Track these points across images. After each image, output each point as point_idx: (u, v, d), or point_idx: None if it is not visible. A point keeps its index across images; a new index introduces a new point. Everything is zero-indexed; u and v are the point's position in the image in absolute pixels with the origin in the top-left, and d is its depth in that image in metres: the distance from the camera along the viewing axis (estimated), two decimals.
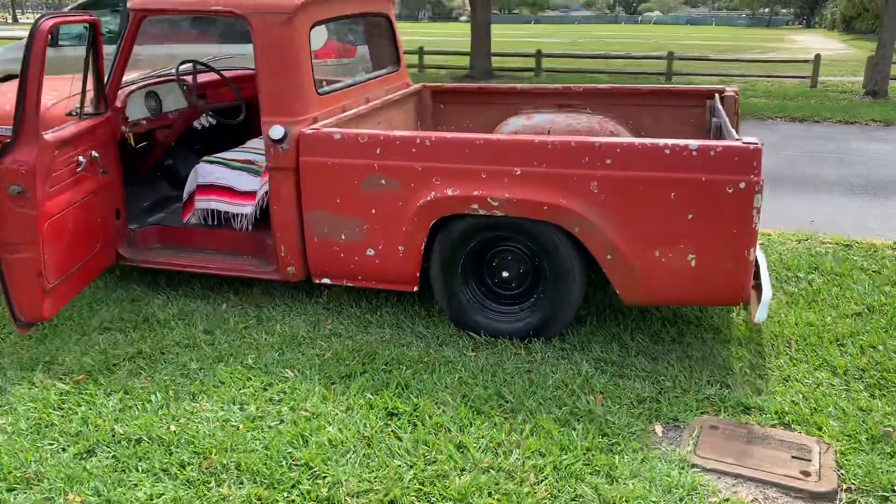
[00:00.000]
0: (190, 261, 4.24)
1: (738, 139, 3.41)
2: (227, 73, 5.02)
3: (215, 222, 4.39)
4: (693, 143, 3.37)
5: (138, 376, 3.41)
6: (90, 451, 2.86)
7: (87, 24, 3.69)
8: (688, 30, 56.09)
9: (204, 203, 4.36)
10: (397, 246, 3.81)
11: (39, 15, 3.24)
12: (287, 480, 2.69)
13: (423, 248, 3.78)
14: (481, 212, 3.60)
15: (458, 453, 2.86)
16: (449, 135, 3.63)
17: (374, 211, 3.79)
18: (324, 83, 4.26)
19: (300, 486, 2.65)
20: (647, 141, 3.44)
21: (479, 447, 2.89)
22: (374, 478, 2.72)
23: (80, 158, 3.67)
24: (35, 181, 3.25)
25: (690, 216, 3.39)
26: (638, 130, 5.18)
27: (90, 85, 3.84)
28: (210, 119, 4.61)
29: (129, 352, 3.62)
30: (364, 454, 2.84)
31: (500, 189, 3.56)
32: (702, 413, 3.16)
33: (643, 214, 3.44)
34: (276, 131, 3.80)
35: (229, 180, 4.31)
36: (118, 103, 4.20)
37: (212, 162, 4.38)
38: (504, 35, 33.54)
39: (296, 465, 2.78)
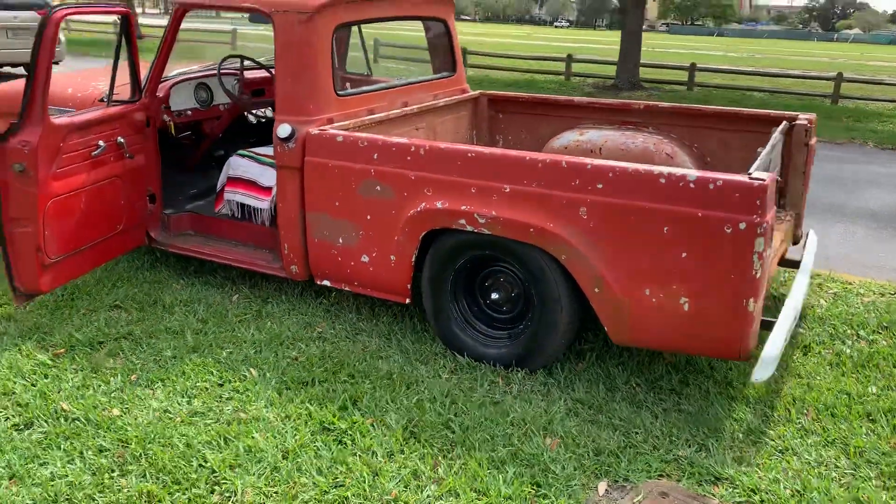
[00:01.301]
0: (212, 250, 4.35)
1: (747, 173, 3.00)
2: None
3: (242, 215, 4.47)
4: (692, 173, 3.00)
5: (115, 357, 3.52)
6: (28, 423, 2.98)
7: (119, 16, 3.86)
8: (888, 50, 51.42)
9: (231, 195, 4.45)
10: (390, 255, 3.70)
11: (58, 3, 3.42)
12: (186, 481, 2.66)
13: (413, 259, 3.64)
14: (469, 228, 3.41)
15: (370, 479, 2.71)
16: (443, 145, 3.47)
17: (369, 217, 3.70)
18: (347, 84, 4.22)
19: (194, 489, 2.61)
20: (642, 167, 3.11)
21: (396, 477, 2.72)
22: (272, 492, 2.63)
23: (101, 142, 3.85)
24: (37, 161, 3.43)
25: (684, 254, 3.02)
26: (703, 156, 4.74)
27: (123, 73, 4.02)
28: (259, 114, 4.70)
29: (120, 332, 3.75)
30: (275, 467, 2.76)
31: (488, 206, 3.36)
32: (660, 476, 2.81)
33: (634, 247, 3.12)
34: (284, 129, 3.79)
35: (255, 174, 4.38)
36: (160, 93, 4.37)
37: (243, 156, 4.47)
38: (676, 45, 32.20)
39: (203, 467, 2.74)
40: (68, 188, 3.66)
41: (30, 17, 12.44)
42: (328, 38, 3.95)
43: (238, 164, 4.44)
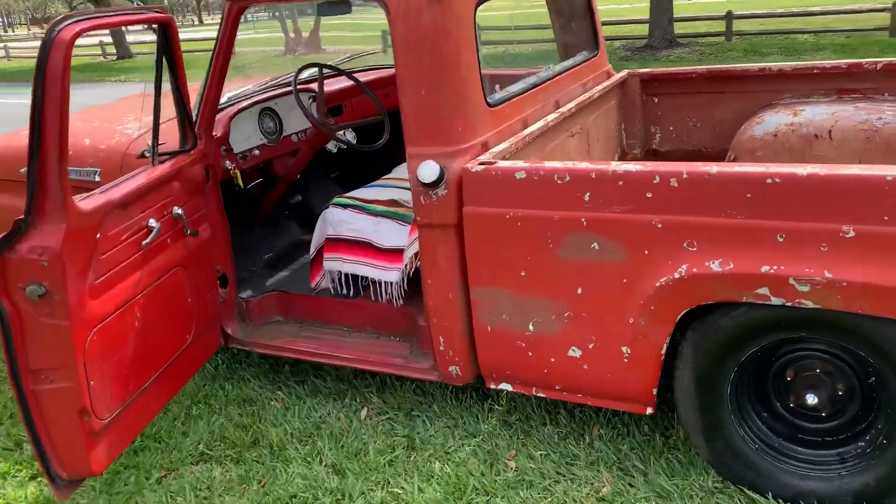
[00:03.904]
0: (317, 346, 3.03)
1: None
2: (365, 78, 3.78)
3: (354, 290, 3.15)
4: None
5: None
6: None
7: (159, 24, 2.53)
8: None
9: (335, 263, 3.12)
10: (620, 345, 2.38)
11: (58, 18, 2.10)
12: None
13: (664, 351, 2.32)
14: (774, 301, 2.08)
15: None
16: (714, 168, 2.13)
17: (580, 291, 2.38)
18: (496, 87, 2.88)
19: None
20: None
21: None
22: None
23: (153, 222, 2.53)
24: (65, 275, 2.12)
25: None
26: None
27: (168, 112, 2.69)
28: (342, 141, 3.36)
29: None
30: None
31: (815, 263, 2.02)
32: None
33: None
34: (429, 171, 2.46)
35: (368, 232, 3.05)
36: (217, 132, 3.04)
37: (344, 205, 3.14)
38: None
39: None
40: (115, 304, 2.34)
41: None
42: (471, 22, 2.60)
43: (339, 219, 3.10)
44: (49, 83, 2.03)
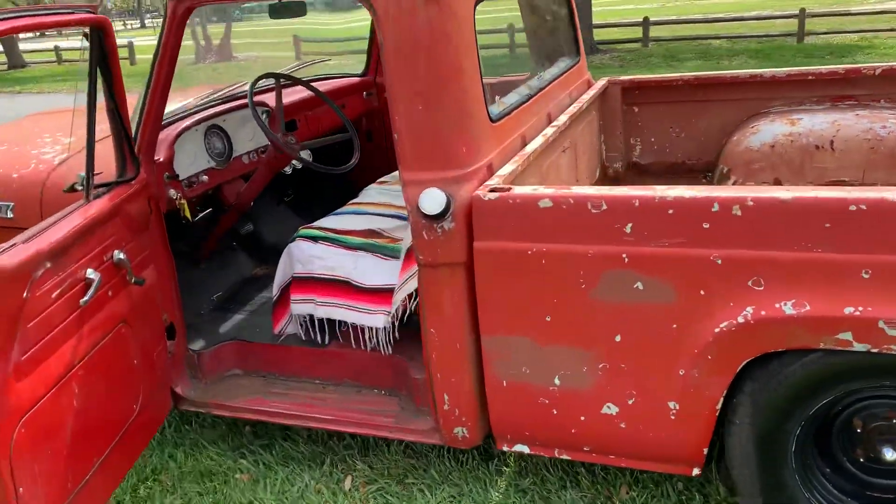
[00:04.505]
0: (286, 404, 2.58)
1: None
2: (320, 86, 3.35)
3: (327, 336, 2.71)
4: None
5: None
6: None
7: (88, 28, 2.03)
8: None
9: (304, 306, 2.67)
10: (666, 400, 2.03)
11: None
12: None
13: (719, 405, 1.99)
14: (858, 346, 1.78)
15: None
16: (785, 193, 1.81)
17: (618, 338, 2.03)
18: (496, 99, 2.51)
19: None
20: None
21: None
22: None
23: (91, 272, 2.03)
24: None
25: None
26: None
27: (102, 135, 2.19)
28: (307, 164, 2.91)
29: None
30: None
31: None
32: None
33: None
34: (433, 200, 2.07)
35: (344, 269, 2.61)
36: (160, 155, 2.55)
37: (314, 238, 2.69)
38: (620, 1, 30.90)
39: None
40: (47, 384, 1.84)
41: None
42: (472, 24, 2.22)
43: (309, 255, 2.65)
44: None
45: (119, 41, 2.17)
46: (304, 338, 2.72)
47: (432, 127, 2.13)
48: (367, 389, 2.63)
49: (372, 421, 2.46)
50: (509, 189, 2.07)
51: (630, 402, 2.08)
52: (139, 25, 54.30)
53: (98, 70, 2.08)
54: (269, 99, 3.18)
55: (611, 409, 2.11)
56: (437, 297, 2.17)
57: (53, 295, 1.88)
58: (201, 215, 2.89)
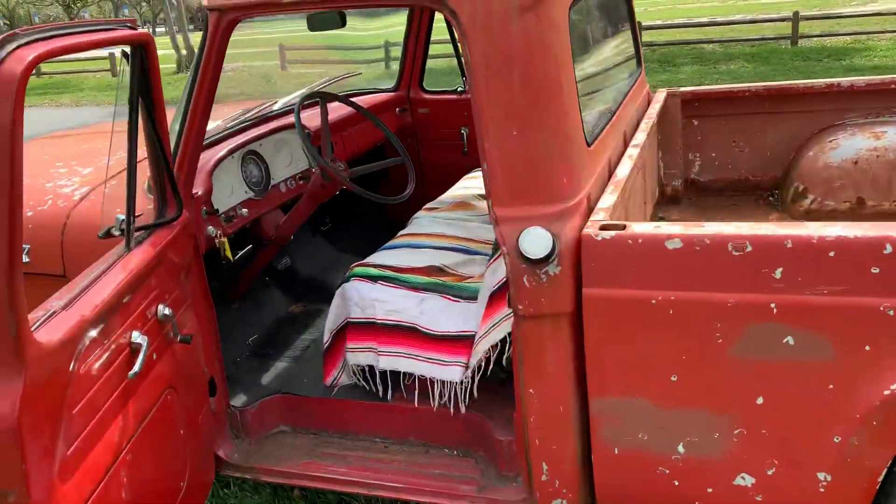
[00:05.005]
0: (345, 468, 2.26)
1: None
2: (363, 104, 3.04)
3: (389, 388, 2.39)
4: None
5: None
6: None
7: (132, 46, 1.71)
8: None
9: (363, 355, 2.35)
10: (815, 471, 1.74)
11: (3, 35, 1.27)
12: None
13: (881, 479, 1.70)
14: None
15: None
16: None
17: (760, 400, 1.73)
18: (588, 120, 2.21)
19: None
20: None
21: None
22: None
23: (137, 336, 1.70)
24: (25, 462, 1.28)
25: None
26: None
27: (143, 169, 1.86)
28: (360, 194, 2.59)
29: None
30: None
31: None
32: None
33: None
34: (537, 241, 1.77)
35: (409, 312, 2.30)
36: (197, 189, 2.22)
37: (372, 277, 2.37)
38: None
39: None
40: (96, 478, 1.51)
41: None
42: (567, 34, 1.92)
43: (369, 298, 2.33)
44: None
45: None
46: (365, 388, 2.40)
47: (530, 154, 1.83)
48: (435, 449, 2.32)
49: (451, 489, 2.14)
50: (624, 227, 1.77)
51: (770, 473, 1.79)
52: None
53: (139, 96, 1.75)
54: (306, 119, 2.86)
55: (745, 480, 1.81)
56: (539, 352, 1.86)
57: (95, 368, 1.55)
58: (240, 254, 2.57)
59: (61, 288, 1.60)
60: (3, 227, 1.23)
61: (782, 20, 16.13)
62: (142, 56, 1.73)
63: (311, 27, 2.69)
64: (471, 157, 3.65)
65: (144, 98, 1.77)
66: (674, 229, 1.72)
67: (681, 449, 1.84)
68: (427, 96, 3.68)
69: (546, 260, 1.78)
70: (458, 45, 1.79)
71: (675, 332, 1.74)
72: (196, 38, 21.09)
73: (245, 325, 2.82)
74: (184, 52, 19.85)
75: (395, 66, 3.79)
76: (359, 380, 2.42)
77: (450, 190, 3.20)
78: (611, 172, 2.21)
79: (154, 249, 1.85)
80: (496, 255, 2.15)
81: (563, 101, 1.84)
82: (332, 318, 2.42)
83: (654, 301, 1.74)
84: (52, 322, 1.43)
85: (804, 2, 21.17)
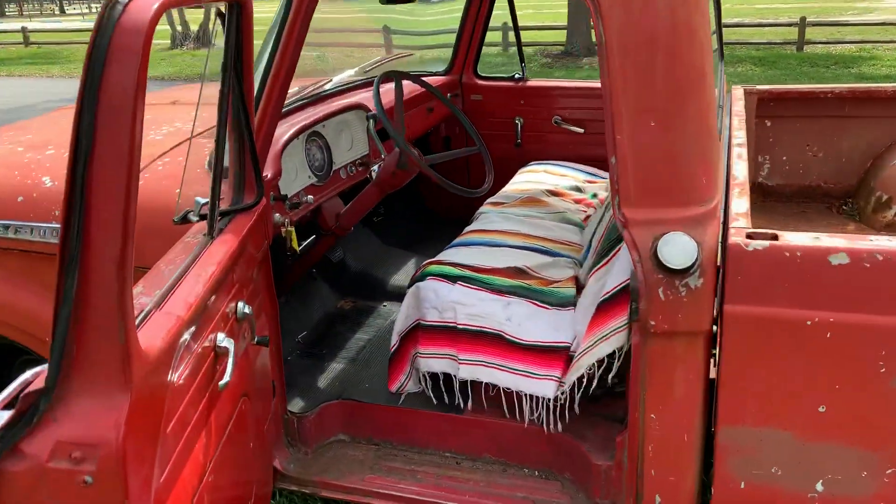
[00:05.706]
0: (417, 486, 2.04)
1: None
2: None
3: (468, 399, 2.17)
4: None
5: None
6: None
7: (226, 4, 1.48)
8: None
9: (439, 362, 2.14)
10: None
11: None
12: None
13: None
14: None
15: None
16: None
17: None
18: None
19: None
20: None
21: None
22: None
23: (222, 339, 1.47)
24: (126, 489, 1.05)
25: None
26: None
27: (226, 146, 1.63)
28: (441, 183, 2.35)
29: None
30: None
31: None
32: None
33: None
34: (680, 249, 1.56)
35: (494, 318, 2.08)
36: (267, 171, 1.98)
37: (450, 277, 2.15)
38: None
39: None
40: (192, 484, 1.28)
41: None
42: (708, 16, 1.71)
43: (450, 300, 2.11)
44: (107, 94, 0.98)
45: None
46: (431, 397, 2.18)
47: (669, 150, 1.62)
48: (513, 468, 2.11)
49: None
50: (776, 237, 1.57)
51: None
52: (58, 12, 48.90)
53: (232, 59, 1.52)
54: (367, 100, 2.63)
55: None
56: (668, 374, 1.66)
57: (184, 379, 1.32)
58: (305, 244, 2.34)
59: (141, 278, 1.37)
60: (117, 211, 1.00)
61: (788, 25, 16.04)
62: (238, 16, 1.49)
63: (384, 1, 2.46)
64: (523, 150, 3.43)
65: (235, 59, 1.53)
66: (837, 242, 1.52)
67: (819, 487, 1.65)
68: (481, 82, 3.45)
69: (687, 271, 1.57)
70: (592, 24, 1.57)
71: (830, 358, 1.55)
72: (190, 14, 20.67)
73: (293, 322, 2.59)
74: (178, 27, 19.41)
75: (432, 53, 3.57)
76: (427, 388, 2.20)
77: (510, 184, 2.99)
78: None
79: (237, 239, 1.62)
80: (605, 260, 1.94)
81: (706, 92, 1.63)
82: (401, 320, 2.20)
83: (809, 322, 1.54)
84: (148, 324, 1.20)
85: (803, 9, 21.11)
